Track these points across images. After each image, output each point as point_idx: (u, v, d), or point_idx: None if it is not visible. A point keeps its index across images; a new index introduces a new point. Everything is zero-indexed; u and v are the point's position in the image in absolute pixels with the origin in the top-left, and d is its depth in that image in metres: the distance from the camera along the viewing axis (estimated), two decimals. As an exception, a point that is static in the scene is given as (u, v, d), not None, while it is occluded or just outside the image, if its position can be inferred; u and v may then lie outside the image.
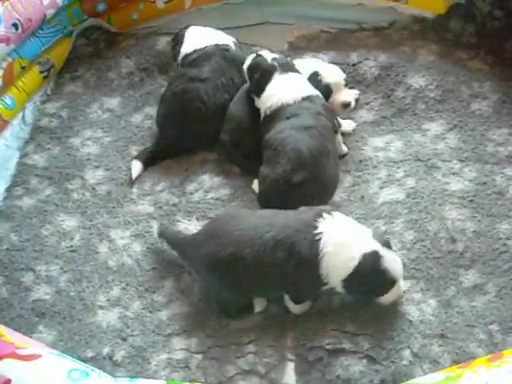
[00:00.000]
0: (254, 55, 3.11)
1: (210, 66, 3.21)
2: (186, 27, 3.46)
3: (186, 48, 3.34)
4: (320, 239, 2.40)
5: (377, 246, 2.40)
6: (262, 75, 3.00)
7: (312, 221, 2.45)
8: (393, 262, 2.43)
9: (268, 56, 3.05)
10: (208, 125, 3.17)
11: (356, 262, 2.36)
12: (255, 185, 2.99)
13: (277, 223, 2.49)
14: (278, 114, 2.90)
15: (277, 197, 2.76)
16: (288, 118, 2.86)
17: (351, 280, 2.39)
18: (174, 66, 3.53)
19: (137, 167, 3.19)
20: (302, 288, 2.53)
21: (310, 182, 2.73)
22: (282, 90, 2.93)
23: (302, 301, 2.59)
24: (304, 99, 2.89)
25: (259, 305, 2.64)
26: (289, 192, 2.74)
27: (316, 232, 2.42)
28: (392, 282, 2.45)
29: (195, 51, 3.29)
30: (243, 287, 2.55)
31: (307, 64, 3.17)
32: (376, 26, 3.79)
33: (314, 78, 3.05)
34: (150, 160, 3.23)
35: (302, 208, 2.57)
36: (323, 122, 2.84)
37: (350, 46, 3.65)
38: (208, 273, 2.58)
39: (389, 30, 3.76)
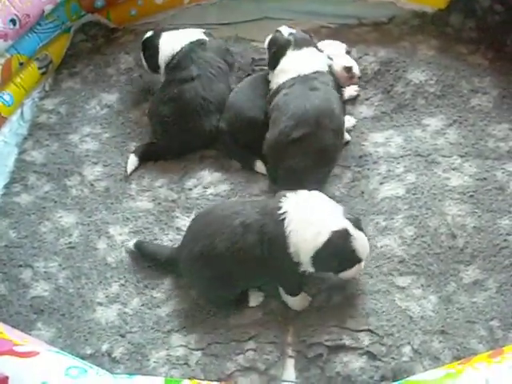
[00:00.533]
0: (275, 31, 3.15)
1: (194, 63, 3.21)
2: (156, 35, 3.38)
3: (165, 55, 3.31)
4: (284, 218, 2.43)
5: (347, 224, 2.40)
6: (277, 49, 3.05)
7: (277, 202, 2.49)
8: (361, 241, 2.42)
9: (285, 31, 3.09)
10: (212, 119, 3.17)
11: (324, 238, 2.37)
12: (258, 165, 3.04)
13: (244, 210, 2.53)
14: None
15: (278, 154, 2.83)
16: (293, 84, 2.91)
17: (319, 256, 2.39)
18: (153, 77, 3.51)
19: (133, 162, 3.18)
20: (281, 272, 2.53)
21: (310, 139, 2.77)
22: (293, 66, 2.97)
23: (293, 291, 2.59)
24: (312, 74, 2.92)
25: (254, 299, 2.64)
26: (288, 148, 2.79)
27: (280, 212, 2.44)
28: (358, 261, 2.45)
29: (175, 55, 3.28)
30: (225, 280, 2.55)
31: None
32: (376, 21, 3.77)
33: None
34: (148, 155, 3.22)
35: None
36: (330, 88, 2.89)
37: (350, 41, 3.60)
38: (189, 272, 2.62)
39: (388, 25, 3.73)
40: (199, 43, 3.30)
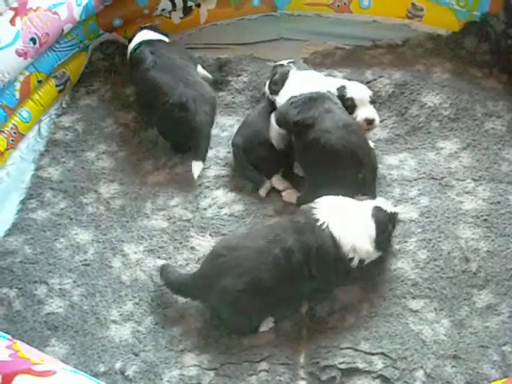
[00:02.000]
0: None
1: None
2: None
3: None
4: (328, 226, 2.56)
5: (377, 202, 2.69)
6: (280, 75, 3.12)
7: (310, 216, 2.60)
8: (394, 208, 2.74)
9: (285, 61, 3.21)
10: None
11: (372, 221, 2.61)
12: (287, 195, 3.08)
13: (277, 236, 2.57)
14: None
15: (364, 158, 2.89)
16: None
17: (380, 236, 2.62)
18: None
19: (198, 166, 3.19)
20: (331, 276, 2.63)
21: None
22: (295, 86, 3.02)
23: (332, 289, 2.70)
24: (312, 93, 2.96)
25: (266, 324, 2.64)
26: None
27: (321, 222, 2.57)
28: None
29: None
30: (264, 308, 2.59)
31: (336, 81, 3.23)
32: (390, 43, 3.82)
33: (341, 91, 3.09)
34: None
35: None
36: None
37: (365, 63, 3.66)
38: (226, 306, 2.58)
39: (403, 48, 3.77)
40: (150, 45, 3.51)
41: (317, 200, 2.66)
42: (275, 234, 2.58)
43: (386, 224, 2.65)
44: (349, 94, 3.07)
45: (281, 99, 3.05)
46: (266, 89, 3.23)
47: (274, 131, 3.03)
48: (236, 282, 2.51)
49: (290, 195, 3.06)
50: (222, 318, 2.64)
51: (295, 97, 2.96)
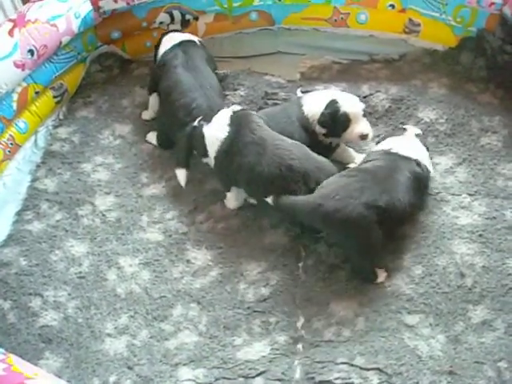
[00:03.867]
0: None
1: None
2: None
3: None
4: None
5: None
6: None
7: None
8: None
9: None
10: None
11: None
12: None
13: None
14: None
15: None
16: None
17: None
18: None
19: (182, 174, 3.21)
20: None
21: None
22: None
23: None
24: None
25: (381, 275, 2.79)
26: None
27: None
28: None
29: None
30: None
31: (326, 93, 3.22)
32: (387, 58, 3.84)
33: (332, 106, 3.08)
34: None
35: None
36: None
37: (361, 77, 3.68)
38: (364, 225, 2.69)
39: (400, 62, 3.79)
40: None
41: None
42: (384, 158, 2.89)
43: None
44: (342, 108, 3.07)
45: None
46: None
47: None
48: (379, 198, 2.69)
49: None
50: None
51: None
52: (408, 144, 3.00)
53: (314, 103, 3.16)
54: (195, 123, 3.14)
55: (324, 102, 3.11)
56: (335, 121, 3.07)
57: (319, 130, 3.12)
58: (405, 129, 3.15)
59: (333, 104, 3.08)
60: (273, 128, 3.06)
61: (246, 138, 2.94)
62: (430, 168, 3.00)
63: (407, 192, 2.77)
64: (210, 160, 3.08)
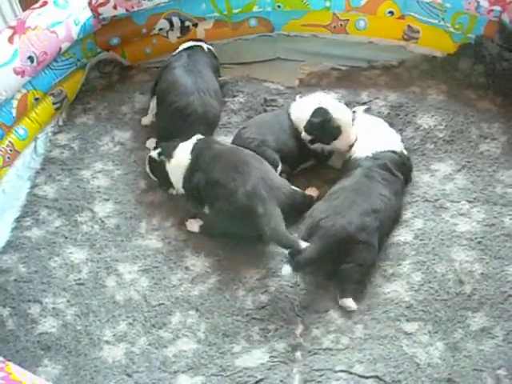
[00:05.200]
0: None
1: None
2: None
3: None
4: None
5: None
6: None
7: None
8: None
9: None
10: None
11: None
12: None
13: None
14: None
15: None
16: None
17: None
18: None
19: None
20: None
21: None
22: None
23: None
24: None
25: None
26: None
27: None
28: None
29: None
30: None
31: (313, 100, 3.22)
32: (386, 64, 3.84)
33: (322, 114, 3.08)
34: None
35: None
36: None
37: (360, 84, 3.68)
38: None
39: (399, 69, 3.80)
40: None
41: None
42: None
43: None
44: (333, 118, 3.08)
45: None
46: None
47: None
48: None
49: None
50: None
51: None
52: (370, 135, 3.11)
53: (300, 110, 3.18)
54: (153, 154, 3.22)
55: (310, 109, 3.11)
56: (325, 129, 3.08)
57: (305, 136, 3.13)
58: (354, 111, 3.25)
59: (322, 112, 3.09)
60: (270, 136, 3.14)
61: (208, 155, 3.06)
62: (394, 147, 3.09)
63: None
64: (178, 190, 3.17)
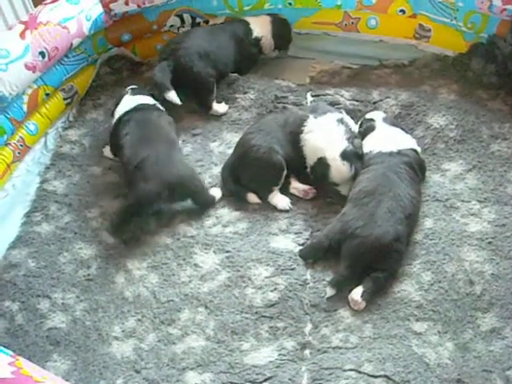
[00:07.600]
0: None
1: None
2: None
3: None
4: None
5: None
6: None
7: None
8: None
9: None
10: None
11: None
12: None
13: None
14: None
15: None
16: None
17: None
18: None
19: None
20: None
21: None
22: None
23: None
24: None
25: None
26: None
27: None
28: None
29: None
30: None
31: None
32: (397, 63, 3.84)
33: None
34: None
35: None
36: None
37: (371, 82, 3.68)
38: None
39: (410, 68, 3.79)
40: None
41: None
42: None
43: None
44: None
45: None
46: None
47: None
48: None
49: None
50: None
51: None
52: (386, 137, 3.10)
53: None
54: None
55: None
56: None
57: None
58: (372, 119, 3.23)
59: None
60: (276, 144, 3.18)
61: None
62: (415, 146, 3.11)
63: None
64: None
